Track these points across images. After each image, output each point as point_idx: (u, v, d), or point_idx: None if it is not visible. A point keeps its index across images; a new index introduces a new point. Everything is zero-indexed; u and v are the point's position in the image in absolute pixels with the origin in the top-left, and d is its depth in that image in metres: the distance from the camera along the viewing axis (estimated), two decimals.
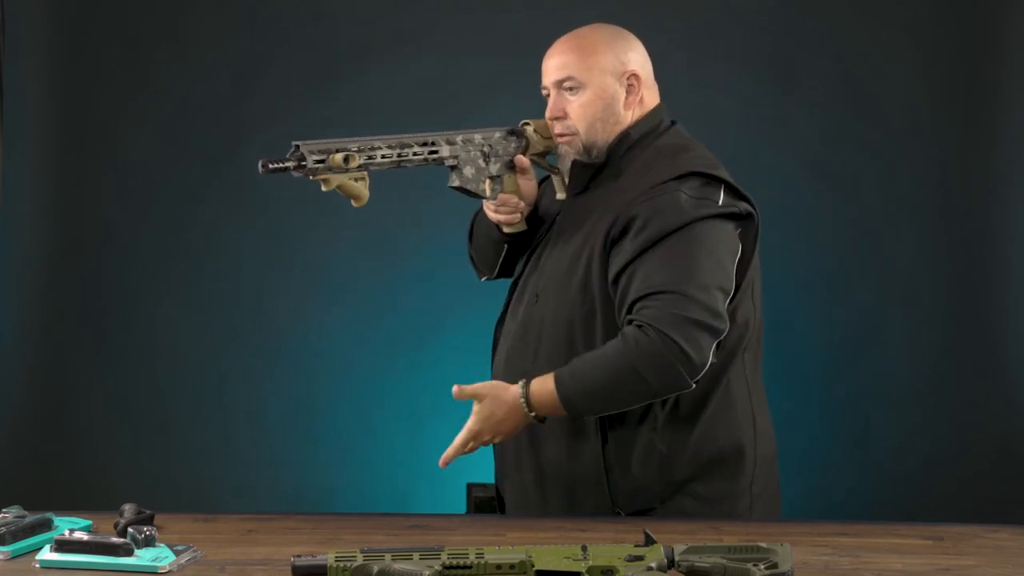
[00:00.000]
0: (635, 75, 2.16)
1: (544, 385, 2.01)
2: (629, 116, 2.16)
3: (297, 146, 1.87)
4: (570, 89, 2.15)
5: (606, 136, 2.15)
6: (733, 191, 2.08)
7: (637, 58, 2.18)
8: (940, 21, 3.48)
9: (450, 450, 2.07)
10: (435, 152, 2.07)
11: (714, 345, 2.00)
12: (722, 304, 2.00)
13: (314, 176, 1.88)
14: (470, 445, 2.06)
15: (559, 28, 2.26)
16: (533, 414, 2.02)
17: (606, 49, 2.15)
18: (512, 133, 2.18)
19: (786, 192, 3.41)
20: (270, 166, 1.86)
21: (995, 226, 3.48)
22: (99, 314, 3.57)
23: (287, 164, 1.86)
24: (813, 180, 3.49)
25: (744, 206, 2.07)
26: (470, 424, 2.04)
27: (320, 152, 1.88)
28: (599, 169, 2.16)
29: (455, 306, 3.46)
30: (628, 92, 2.16)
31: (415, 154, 2.03)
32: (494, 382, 2.07)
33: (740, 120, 3.43)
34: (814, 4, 3.50)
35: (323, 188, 1.95)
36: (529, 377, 2.07)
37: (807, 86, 3.49)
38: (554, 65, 2.17)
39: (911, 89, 3.49)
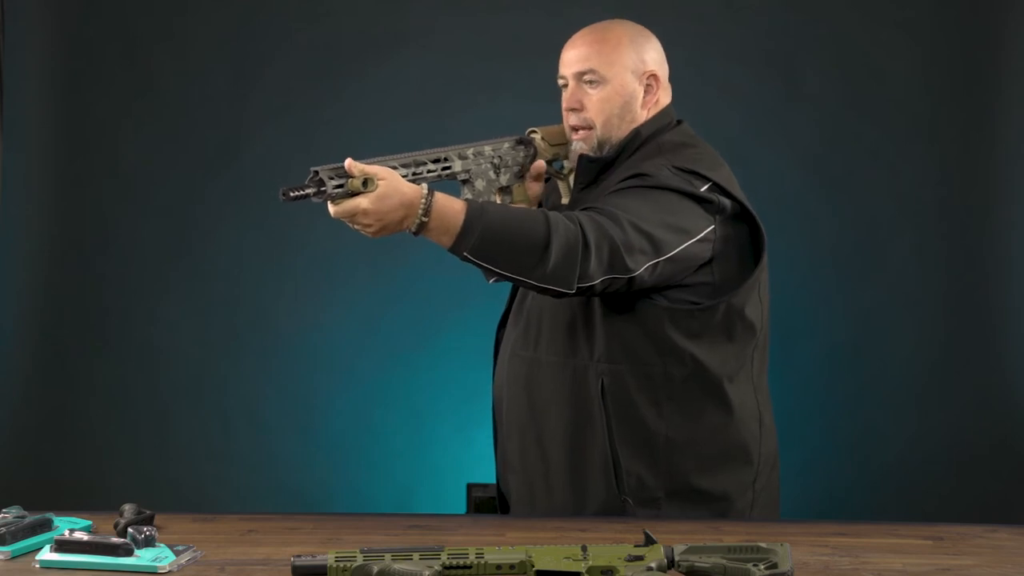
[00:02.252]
0: (654, 75, 2.17)
1: (452, 200, 1.92)
2: (644, 115, 2.17)
3: (316, 171, 1.86)
4: (590, 82, 2.15)
5: (620, 133, 2.16)
6: (721, 190, 2.07)
7: (657, 58, 2.19)
8: (940, 21, 3.49)
9: (336, 207, 1.87)
10: (448, 168, 2.07)
11: (605, 279, 1.94)
12: (643, 258, 1.97)
13: (333, 201, 1.88)
14: (350, 217, 1.88)
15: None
16: (424, 218, 1.89)
17: (629, 46, 2.15)
18: (520, 142, 2.18)
19: (786, 192, 3.41)
20: (291, 194, 1.84)
21: (995, 226, 3.48)
22: (99, 314, 3.57)
23: (307, 191, 1.85)
24: (813, 180, 3.50)
25: (724, 201, 2.07)
26: (362, 200, 1.87)
27: (339, 176, 1.87)
28: (606, 165, 2.17)
29: (455, 306, 3.46)
30: (646, 92, 2.16)
31: (429, 171, 2.03)
32: (390, 169, 1.93)
33: (740, 120, 3.44)
34: (814, 4, 3.50)
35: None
36: (530, 364, 2.11)
37: (807, 86, 3.49)
38: (576, 56, 2.16)
39: (911, 89, 3.50)
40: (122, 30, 3.56)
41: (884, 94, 3.50)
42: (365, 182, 1.86)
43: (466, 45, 3.52)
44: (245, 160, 3.55)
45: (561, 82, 2.20)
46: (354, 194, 1.87)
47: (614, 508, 2.08)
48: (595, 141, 2.16)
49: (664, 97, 2.20)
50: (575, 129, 2.18)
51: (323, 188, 1.85)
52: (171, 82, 3.56)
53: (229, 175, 3.56)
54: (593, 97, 2.15)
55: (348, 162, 1.87)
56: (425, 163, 2.02)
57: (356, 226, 1.91)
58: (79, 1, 3.56)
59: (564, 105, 2.19)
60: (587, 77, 2.15)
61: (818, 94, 3.50)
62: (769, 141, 3.46)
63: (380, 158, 1.95)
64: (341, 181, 1.86)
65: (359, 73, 3.54)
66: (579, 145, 2.18)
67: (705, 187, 2.06)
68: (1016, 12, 3.43)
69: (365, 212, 1.87)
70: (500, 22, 3.50)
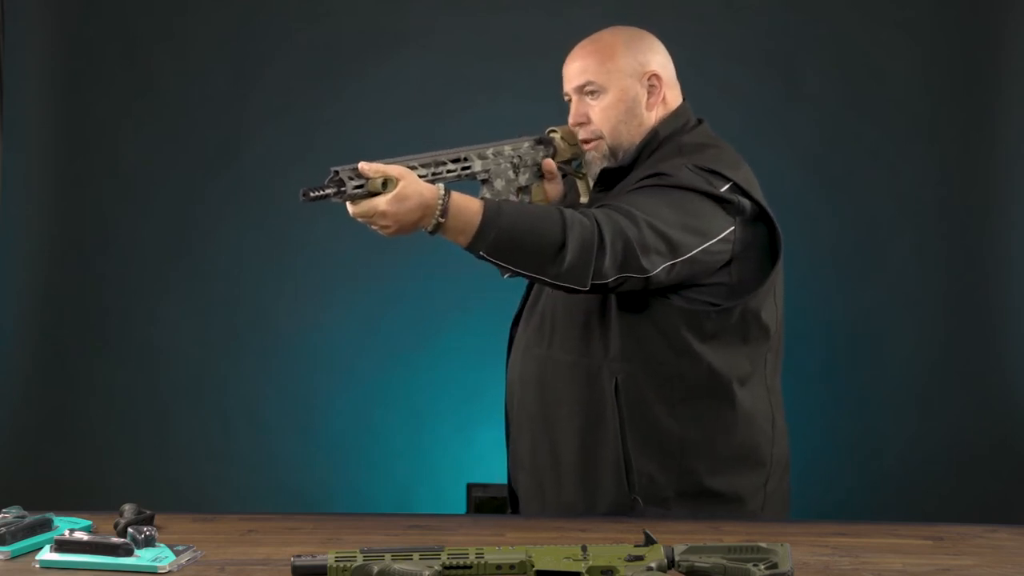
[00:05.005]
0: (656, 75, 2.16)
1: (469, 200, 1.92)
2: (653, 116, 2.16)
3: (336, 171, 1.86)
4: (591, 94, 2.15)
5: (631, 138, 2.16)
6: (741, 191, 2.07)
7: (658, 58, 2.18)
8: (940, 21, 3.49)
9: (354, 207, 1.88)
10: (468, 168, 2.06)
11: (619, 277, 1.95)
12: (659, 259, 1.97)
13: (353, 201, 1.87)
14: (368, 217, 1.88)
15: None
16: (441, 219, 1.89)
17: (625, 51, 2.15)
18: (540, 142, 2.17)
19: (786, 192, 3.40)
20: (311, 194, 1.84)
21: (995, 226, 3.48)
22: (99, 314, 3.57)
23: (327, 191, 1.85)
24: (813, 180, 3.50)
25: (744, 202, 2.07)
26: (380, 200, 1.86)
27: (359, 176, 1.87)
28: (627, 170, 2.16)
29: (455, 306, 3.46)
30: (650, 93, 2.16)
31: (449, 171, 2.02)
32: (407, 170, 1.91)
33: (740, 120, 3.43)
34: (814, 4, 3.51)
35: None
36: (543, 361, 2.11)
37: (807, 86, 3.49)
38: (574, 71, 2.17)
39: (911, 89, 3.50)
40: (122, 30, 3.56)
41: (884, 94, 3.50)
42: (385, 182, 1.87)
43: (466, 45, 3.52)
44: (245, 160, 3.56)
45: (566, 98, 2.20)
46: (374, 194, 1.87)
47: (624, 507, 2.08)
48: (606, 150, 2.16)
49: (672, 96, 2.19)
50: (586, 142, 2.18)
51: (343, 188, 1.85)
52: (171, 82, 3.56)
53: (229, 175, 3.56)
54: (596, 108, 2.15)
55: (362, 165, 1.87)
56: (445, 163, 2.01)
57: (373, 226, 1.90)
58: (79, 1, 3.56)
59: (570, 120, 2.18)
60: (587, 89, 2.15)
61: (818, 94, 3.50)
62: (769, 141, 3.45)
63: (400, 158, 1.94)
64: (361, 181, 1.86)
65: (359, 73, 3.54)
66: (592, 155, 2.18)
67: (725, 187, 2.05)
68: (1016, 12, 3.44)
69: (383, 214, 1.87)
70: (500, 22, 3.50)
